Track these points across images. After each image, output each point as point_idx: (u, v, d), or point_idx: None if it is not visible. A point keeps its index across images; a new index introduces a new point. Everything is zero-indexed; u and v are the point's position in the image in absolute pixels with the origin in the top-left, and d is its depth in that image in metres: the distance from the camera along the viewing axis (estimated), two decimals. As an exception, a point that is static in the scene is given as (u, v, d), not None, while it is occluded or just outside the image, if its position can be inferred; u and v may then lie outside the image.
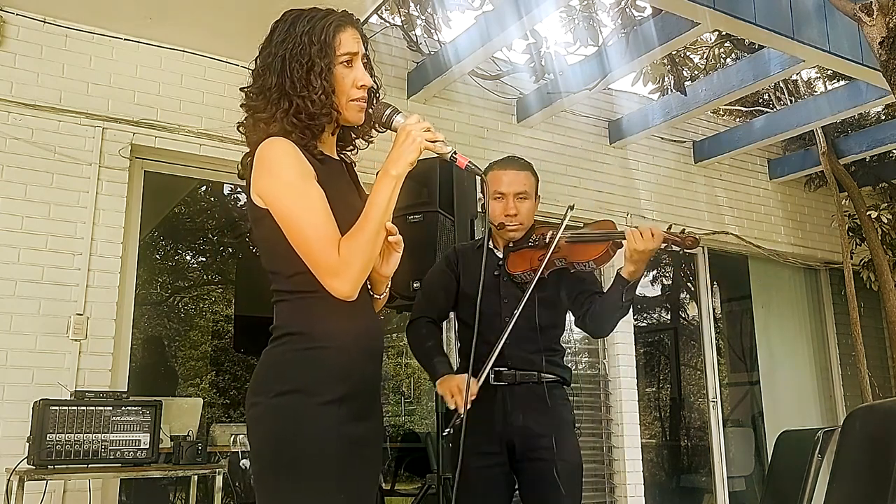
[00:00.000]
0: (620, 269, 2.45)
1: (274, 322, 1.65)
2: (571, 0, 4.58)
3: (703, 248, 6.35)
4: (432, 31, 5.01)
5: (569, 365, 2.70)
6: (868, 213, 6.37)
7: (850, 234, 6.63)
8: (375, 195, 1.58)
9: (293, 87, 1.61)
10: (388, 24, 4.95)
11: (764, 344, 6.77)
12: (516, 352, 2.52)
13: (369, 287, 1.71)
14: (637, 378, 5.61)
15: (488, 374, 2.50)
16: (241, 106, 1.70)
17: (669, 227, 2.40)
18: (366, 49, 1.73)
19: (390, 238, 1.61)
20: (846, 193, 6.57)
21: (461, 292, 2.66)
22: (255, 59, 1.69)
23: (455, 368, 2.63)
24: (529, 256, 2.54)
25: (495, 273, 2.60)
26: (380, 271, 1.68)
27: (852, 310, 6.25)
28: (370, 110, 1.71)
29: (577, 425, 2.63)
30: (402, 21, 4.98)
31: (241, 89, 1.70)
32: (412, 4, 4.94)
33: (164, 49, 4.21)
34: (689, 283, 7.75)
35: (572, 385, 2.71)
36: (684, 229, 2.39)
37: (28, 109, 3.82)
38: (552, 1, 4.09)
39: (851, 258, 6.46)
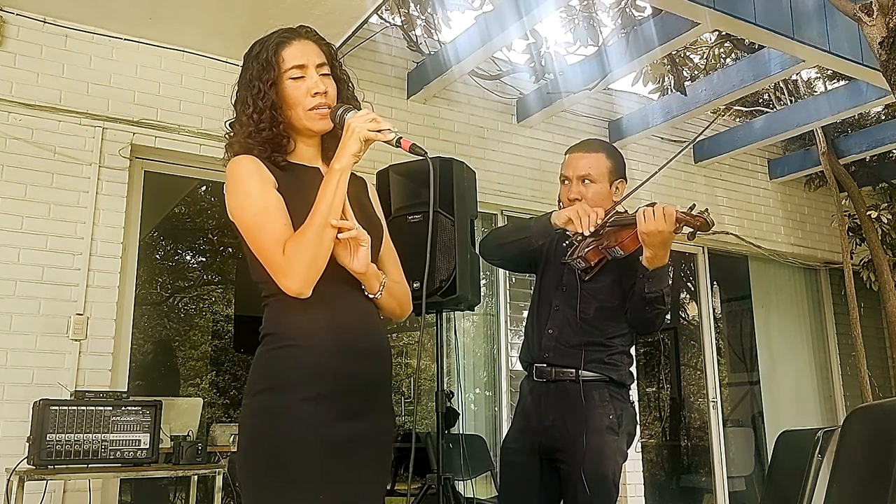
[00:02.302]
0: (641, 256, 2.25)
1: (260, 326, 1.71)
2: (571, 0, 4.58)
3: (703, 248, 6.35)
4: (432, 31, 5.01)
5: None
6: (868, 213, 6.37)
7: (850, 234, 6.63)
8: (320, 192, 1.61)
9: (244, 110, 1.70)
10: (388, 24, 4.95)
11: (764, 344, 6.77)
12: (558, 346, 2.43)
13: (363, 286, 1.71)
14: (637, 378, 5.60)
15: (534, 369, 2.46)
16: (225, 136, 1.78)
17: (691, 207, 2.19)
18: (329, 58, 1.76)
19: (341, 235, 1.60)
20: (846, 193, 6.57)
21: (539, 270, 2.59)
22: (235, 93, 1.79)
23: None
24: (585, 244, 2.39)
25: (562, 261, 2.46)
26: (351, 268, 1.65)
27: (852, 310, 6.24)
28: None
29: (619, 428, 2.38)
30: (402, 21, 4.97)
31: (226, 122, 1.79)
32: (412, 4, 4.94)
33: (164, 49, 4.21)
34: (689, 283, 7.75)
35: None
36: (707, 209, 2.16)
37: (28, 109, 3.81)
38: (552, 1, 4.09)
39: (851, 258, 6.46)
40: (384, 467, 1.75)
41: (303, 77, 1.71)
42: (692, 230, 2.16)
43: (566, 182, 2.54)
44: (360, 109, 1.72)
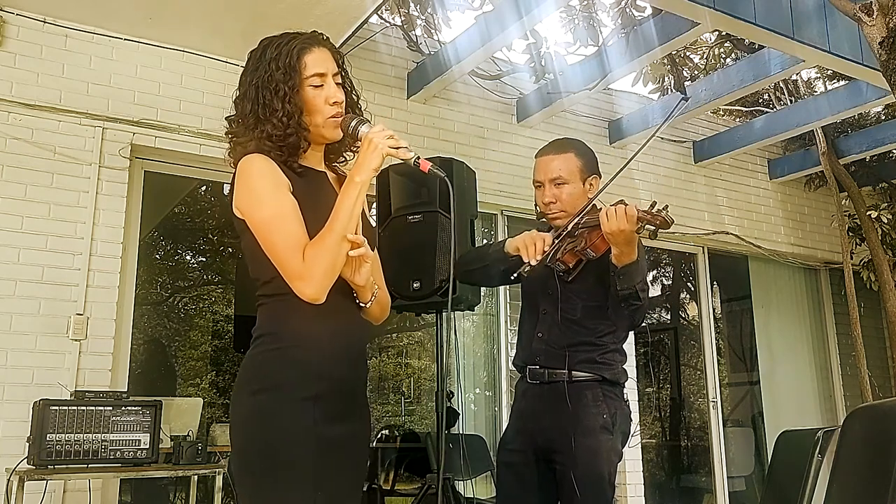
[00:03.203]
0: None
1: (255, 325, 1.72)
2: (571, 0, 4.58)
3: (703, 248, 6.35)
4: (432, 31, 5.01)
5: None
6: (868, 213, 6.38)
7: (850, 234, 6.63)
8: (340, 202, 1.64)
9: (264, 113, 1.69)
10: (388, 24, 4.95)
11: (764, 344, 6.77)
12: (548, 349, 2.44)
13: (354, 294, 1.74)
14: (637, 378, 5.61)
15: (527, 371, 2.48)
16: (225, 134, 1.78)
17: (652, 206, 2.18)
18: (341, 66, 1.79)
19: (351, 252, 1.63)
20: (846, 193, 6.57)
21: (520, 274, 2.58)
22: (237, 89, 1.77)
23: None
24: (563, 247, 2.38)
25: (545, 264, 2.41)
26: (353, 281, 1.70)
27: (852, 310, 6.25)
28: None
29: (613, 427, 2.38)
30: (402, 21, 4.98)
31: (226, 118, 1.79)
32: (412, 4, 4.94)
33: (164, 49, 4.21)
34: (689, 283, 7.75)
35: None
36: (666, 206, 2.16)
37: (28, 109, 3.81)
38: (552, 1, 4.09)
39: (851, 258, 6.46)
40: (363, 468, 1.82)
41: (322, 85, 1.73)
42: (653, 228, 2.17)
43: (538, 186, 2.53)
44: (363, 118, 1.76)
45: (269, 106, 1.68)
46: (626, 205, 2.17)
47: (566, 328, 2.42)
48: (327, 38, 1.80)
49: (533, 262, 2.25)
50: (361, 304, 1.76)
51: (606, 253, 2.28)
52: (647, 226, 2.17)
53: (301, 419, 1.60)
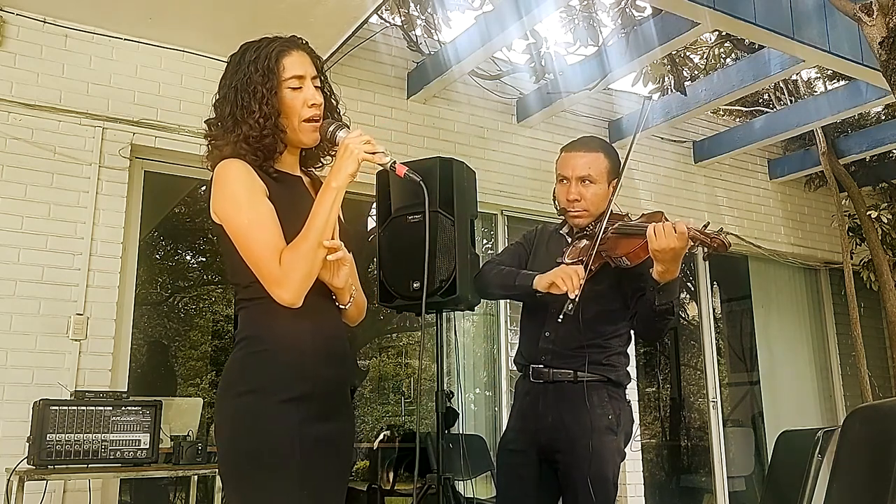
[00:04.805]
0: (651, 269, 2.22)
1: (237, 329, 1.73)
2: (571, 0, 4.58)
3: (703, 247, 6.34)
4: (432, 31, 5.01)
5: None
6: (868, 213, 6.38)
7: (850, 234, 6.63)
8: (316, 207, 1.65)
9: (242, 115, 1.71)
10: (388, 24, 4.95)
11: (764, 344, 6.77)
12: (556, 347, 2.42)
13: (333, 296, 1.76)
14: (637, 378, 5.61)
15: (530, 370, 2.47)
16: (204, 136, 1.81)
17: (706, 225, 2.15)
18: (320, 71, 1.80)
19: (329, 257, 1.64)
20: (846, 193, 6.57)
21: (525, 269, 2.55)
22: (216, 93, 1.79)
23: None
24: (583, 246, 2.38)
25: (557, 260, 2.44)
26: (332, 283, 1.71)
27: (852, 310, 6.25)
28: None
29: (618, 428, 2.39)
30: (402, 21, 4.98)
31: (205, 121, 1.81)
32: (412, 4, 4.94)
33: (164, 49, 4.21)
34: (689, 283, 7.75)
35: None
36: (721, 228, 2.13)
37: (28, 109, 3.81)
38: (552, 1, 4.09)
39: (851, 258, 6.46)
40: (348, 466, 1.83)
41: (300, 88, 1.74)
42: (708, 250, 2.13)
43: (564, 181, 2.51)
44: (341, 123, 1.77)
45: (247, 108, 1.70)
46: (677, 221, 2.14)
47: (575, 329, 2.38)
48: (306, 42, 1.81)
49: (572, 296, 2.20)
50: (340, 306, 1.78)
51: (639, 265, 2.27)
52: (700, 246, 2.14)
53: (285, 420, 1.62)
